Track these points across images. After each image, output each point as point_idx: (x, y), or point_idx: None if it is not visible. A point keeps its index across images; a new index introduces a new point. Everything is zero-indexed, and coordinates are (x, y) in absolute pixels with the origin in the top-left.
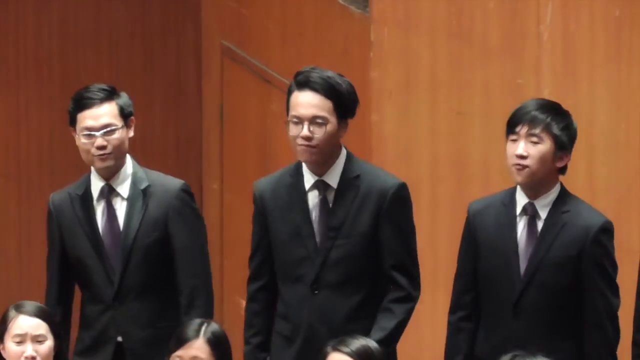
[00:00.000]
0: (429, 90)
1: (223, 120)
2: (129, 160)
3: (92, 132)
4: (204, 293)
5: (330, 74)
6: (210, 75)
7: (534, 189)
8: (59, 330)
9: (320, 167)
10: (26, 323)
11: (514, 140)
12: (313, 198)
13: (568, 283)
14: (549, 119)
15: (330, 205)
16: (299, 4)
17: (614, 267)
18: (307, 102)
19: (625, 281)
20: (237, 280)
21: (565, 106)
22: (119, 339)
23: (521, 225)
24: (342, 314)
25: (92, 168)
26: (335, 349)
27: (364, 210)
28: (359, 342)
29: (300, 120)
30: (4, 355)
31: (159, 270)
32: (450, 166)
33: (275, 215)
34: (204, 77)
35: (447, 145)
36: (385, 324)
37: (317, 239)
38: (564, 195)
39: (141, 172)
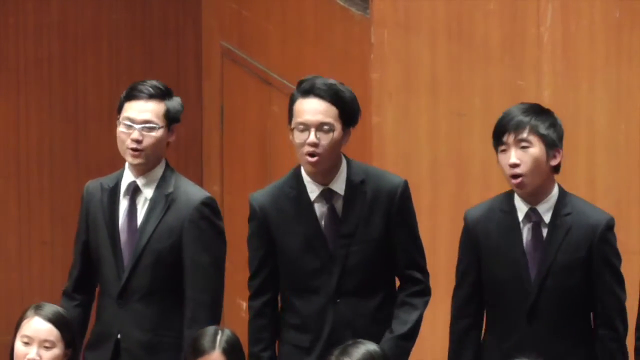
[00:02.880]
0: (429, 91)
1: (223, 122)
2: (163, 163)
3: (132, 124)
4: (209, 308)
5: (333, 81)
6: (211, 76)
7: (534, 194)
8: (73, 339)
9: (326, 176)
10: (37, 326)
11: (504, 151)
12: (320, 207)
13: (579, 284)
14: (533, 121)
15: (340, 212)
16: (299, 6)
17: (620, 261)
18: (313, 108)
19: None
20: (237, 282)
21: (565, 107)
22: (119, 336)
23: (525, 232)
24: (365, 318)
25: (127, 162)
26: None
27: (375, 214)
28: (360, 351)
29: (306, 127)
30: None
31: (167, 277)
32: (451, 167)
33: (282, 229)
34: (204, 78)
35: (447, 147)
36: (407, 317)
37: (330, 248)
38: (564, 197)
39: (170, 177)
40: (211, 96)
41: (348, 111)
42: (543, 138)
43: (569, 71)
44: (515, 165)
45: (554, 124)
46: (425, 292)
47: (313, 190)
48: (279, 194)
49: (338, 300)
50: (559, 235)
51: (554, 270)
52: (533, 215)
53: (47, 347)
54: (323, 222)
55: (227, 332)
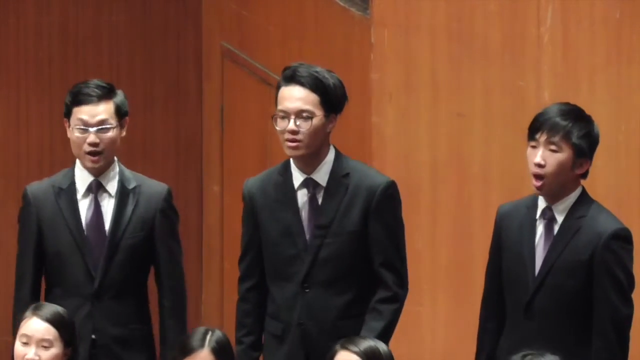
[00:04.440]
0: (429, 92)
1: (223, 122)
2: (114, 159)
3: (86, 128)
4: (184, 296)
5: (317, 69)
6: (211, 76)
7: (552, 194)
8: (72, 338)
9: (309, 164)
10: (35, 326)
11: (534, 147)
12: (302, 196)
13: (579, 287)
14: (569, 127)
15: (319, 203)
16: (300, 6)
17: (627, 275)
18: (293, 95)
19: None
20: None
21: None
22: (93, 336)
23: (540, 229)
24: (332, 312)
25: (78, 162)
26: (344, 348)
27: (353, 208)
28: (367, 343)
29: (286, 115)
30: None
31: (139, 271)
32: (451, 168)
33: (265, 213)
34: (204, 78)
35: (447, 147)
36: (374, 325)
37: (307, 237)
38: (583, 200)
39: (127, 172)
40: (211, 96)
41: (331, 98)
42: (574, 146)
43: (569, 71)
44: (539, 165)
45: (589, 133)
46: (394, 299)
47: (297, 178)
48: (268, 180)
49: (307, 290)
50: (567, 236)
51: (556, 269)
52: (547, 213)
53: (45, 347)
54: (304, 211)
55: (217, 332)
